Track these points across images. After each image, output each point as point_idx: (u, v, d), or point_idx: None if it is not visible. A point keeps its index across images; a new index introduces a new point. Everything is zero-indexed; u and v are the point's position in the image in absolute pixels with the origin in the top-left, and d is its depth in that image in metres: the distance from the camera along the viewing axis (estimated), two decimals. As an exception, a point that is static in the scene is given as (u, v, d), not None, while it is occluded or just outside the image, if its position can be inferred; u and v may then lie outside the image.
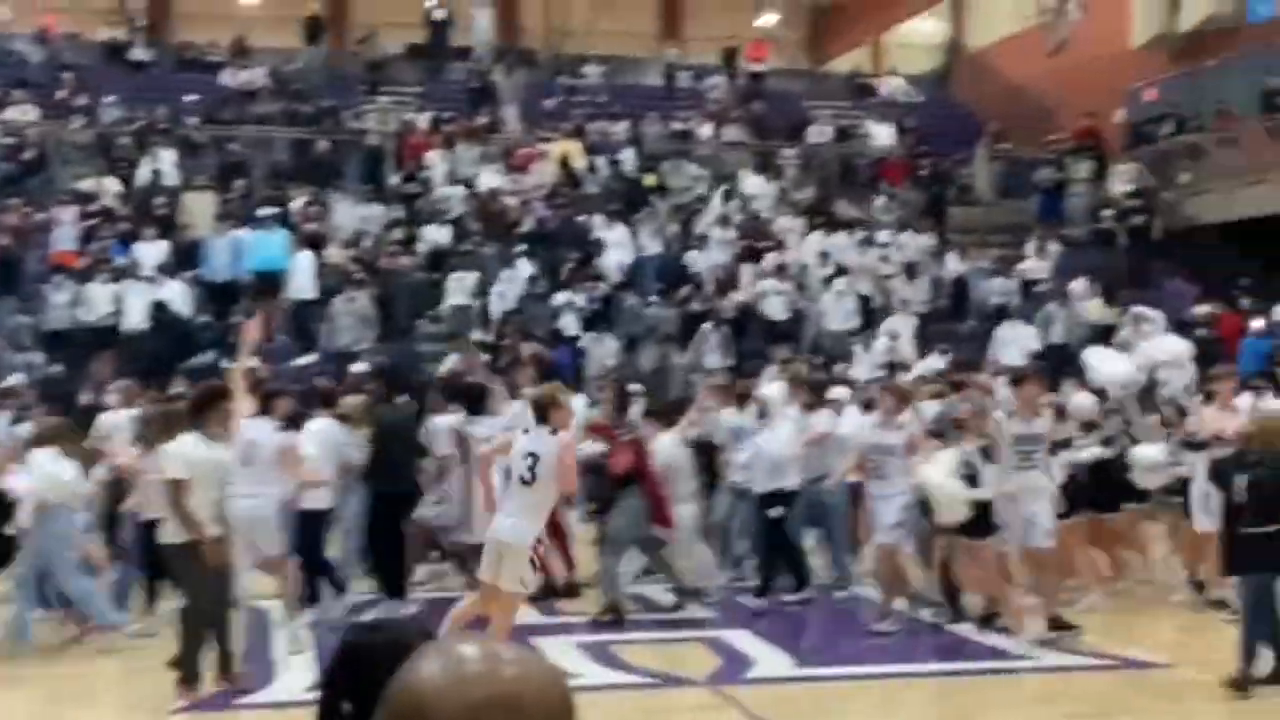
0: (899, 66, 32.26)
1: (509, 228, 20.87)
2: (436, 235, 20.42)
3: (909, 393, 11.39)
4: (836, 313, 19.56)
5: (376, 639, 2.12)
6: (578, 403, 11.34)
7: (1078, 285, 20.00)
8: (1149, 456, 11.01)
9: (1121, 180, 23.46)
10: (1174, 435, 11.19)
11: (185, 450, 8.12)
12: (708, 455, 11.90)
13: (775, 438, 11.26)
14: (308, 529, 10.31)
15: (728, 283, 19.96)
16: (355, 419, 10.96)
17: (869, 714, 8.64)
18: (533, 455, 8.17)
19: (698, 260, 20.60)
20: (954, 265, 21.30)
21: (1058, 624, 9.63)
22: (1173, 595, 11.07)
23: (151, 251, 18.77)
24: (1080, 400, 11.93)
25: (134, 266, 18.37)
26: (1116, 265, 21.51)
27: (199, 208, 20.65)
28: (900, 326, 18.71)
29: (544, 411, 8.38)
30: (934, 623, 10.31)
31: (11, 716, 8.35)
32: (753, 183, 23.30)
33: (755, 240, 21.11)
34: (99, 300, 17.87)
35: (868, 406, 11.85)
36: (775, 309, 19.49)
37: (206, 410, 8.28)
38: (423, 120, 23.81)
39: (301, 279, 18.73)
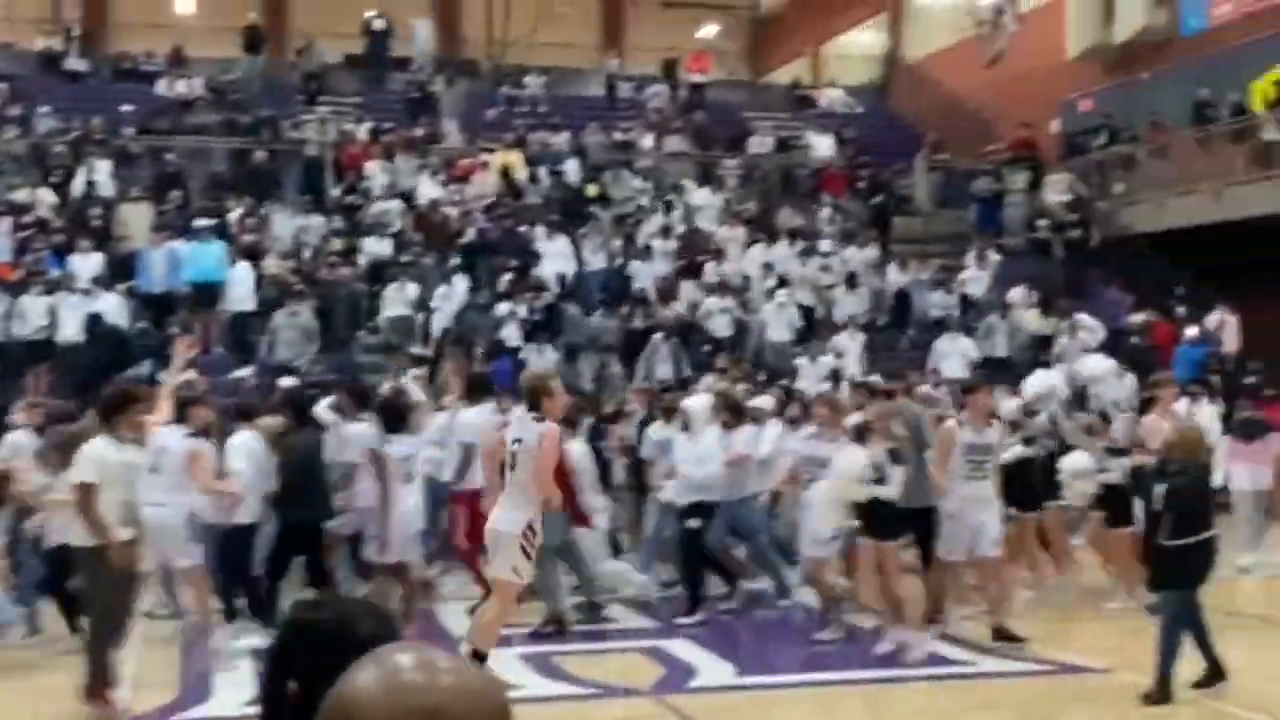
0: (838, 78, 32.52)
1: (450, 239, 20.77)
2: (377, 247, 20.26)
3: (843, 405, 11.45)
4: (779, 324, 19.60)
5: (322, 615, 2.06)
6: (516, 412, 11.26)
7: (1016, 294, 20.21)
8: (1077, 463, 11.21)
9: (1055, 190, 23.72)
10: (1100, 442, 11.40)
11: (96, 453, 7.97)
12: (637, 468, 11.86)
13: (694, 452, 11.23)
14: (231, 545, 10.10)
15: (668, 294, 19.95)
16: (270, 441, 10.50)
17: (811, 722, 8.66)
18: (517, 441, 8.16)
19: (640, 272, 20.57)
20: (895, 277, 21.44)
21: (1003, 634, 9.70)
22: (1108, 601, 11.22)
23: (87, 263, 18.46)
24: (1005, 403, 12.15)
25: (69, 278, 18.05)
26: (1053, 275, 21.74)
27: (135, 219, 20.41)
28: (847, 344, 18.79)
29: (535, 398, 8.30)
30: (875, 629, 10.36)
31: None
32: (699, 195, 23.35)
33: (696, 253, 21.15)
34: (33, 313, 17.56)
35: (794, 423, 11.96)
36: (719, 326, 19.46)
37: (117, 414, 8.17)
38: (362, 131, 23.64)
39: (240, 290, 18.47)
